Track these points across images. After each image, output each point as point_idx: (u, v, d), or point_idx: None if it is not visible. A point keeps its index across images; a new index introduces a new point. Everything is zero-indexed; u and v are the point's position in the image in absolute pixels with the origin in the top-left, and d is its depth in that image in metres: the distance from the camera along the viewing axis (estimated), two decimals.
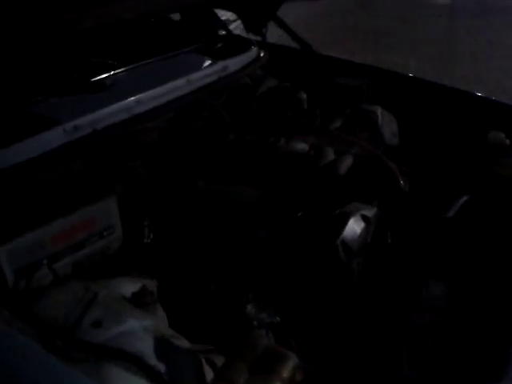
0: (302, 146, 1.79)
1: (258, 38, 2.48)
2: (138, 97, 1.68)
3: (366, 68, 2.44)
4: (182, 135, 1.84)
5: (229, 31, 2.47)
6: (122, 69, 1.84)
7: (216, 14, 2.45)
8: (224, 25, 2.40)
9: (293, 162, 1.73)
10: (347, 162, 1.69)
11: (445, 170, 1.75)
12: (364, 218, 1.43)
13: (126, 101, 1.66)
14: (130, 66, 1.87)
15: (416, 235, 1.52)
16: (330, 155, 1.73)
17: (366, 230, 1.42)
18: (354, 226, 1.39)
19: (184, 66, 2.02)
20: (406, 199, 1.61)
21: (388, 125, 2.15)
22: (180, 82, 1.84)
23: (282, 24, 2.47)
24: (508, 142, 1.90)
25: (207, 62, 2.06)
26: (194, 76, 1.90)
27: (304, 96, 2.12)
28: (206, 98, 1.94)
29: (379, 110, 2.17)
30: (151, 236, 1.59)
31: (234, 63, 2.10)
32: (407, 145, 2.09)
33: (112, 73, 1.79)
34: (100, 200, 1.43)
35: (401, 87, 2.27)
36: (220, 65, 2.03)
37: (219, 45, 2.24)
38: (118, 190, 1.54)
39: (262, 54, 2.26)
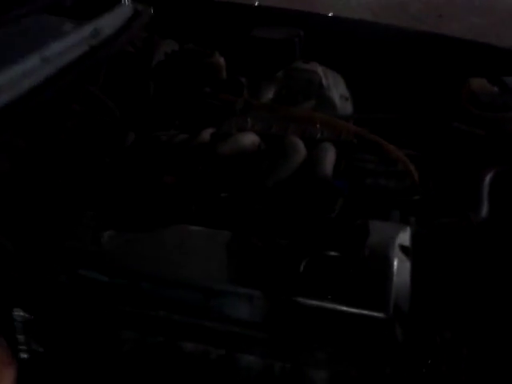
0: (250, 139, 1.16)
1: None
2: None
3: (287, 13, 1.83)
4: (50, 153, 1.10)
5: None
6: None
7: None
8: None
9: (246, 169, 1.09)
10: (330, 156, 1.11)
11: (450, 145, 1.25)
12: (404, 251, 0.88)
13: None
14: None
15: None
16: (299, 146, 1.13)
17: (410, 269, 0.87)
18: (402, 276, 0.83)
19: (32, 35, 1.24)
20: (425, 198, 1.09)
21: (335, 86, 1.59)
22: (31, 61, 1.08)
23: None
24: (497, 89, 1.45)
25: (68, 26, 1.30)
26: (53, 49, 1.15)
27: (221, 60, 1.47)
28: (75, 82, 1.20)
29: (319, 68, 1.60)
30: None
31: (107, 24, 1.37)
32: (364, 110, 1.56)
33: None
34: None
35: (337, 34, 1.72)
36: (88, 28, 1.29)
37: None
38: None
39: (140, 8, 1.56)
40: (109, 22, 1.39)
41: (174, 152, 1.11)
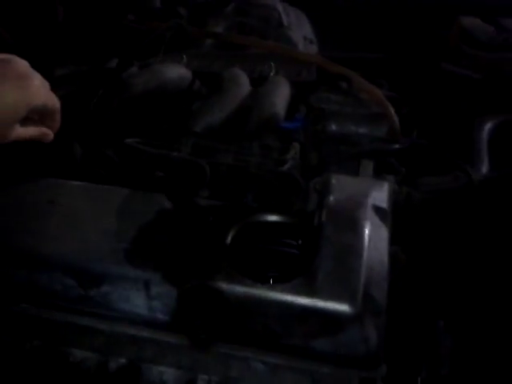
0: (177, 73, 0.87)
1: None
2: None
3: None
4: None
5: None
6: None
7: None
8: None
9: (168, 109, 0.81)
10: (281, 92, 0.82)
11: (438, 89, 0.98)
12: (380, 214, 0.60)
13: None
14: None
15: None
16: (241, 78, 0.84)
17: (388, 238, 0.59)
18: (377, 249, 0.55)
19: None
20: (408, 148, 0.81)
21: (298, 26, 1.31)
22: None
23: None
24: (493, 28, 1.19)
25: None
26: None
27: None
28: None
29: (279, 4, 1.31)
30: None
31: None
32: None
33: None
34: None
35: None
36: None
37: None
38: None
39: None
40: None
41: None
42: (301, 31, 1.30)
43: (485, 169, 0.82)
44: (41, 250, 0.56)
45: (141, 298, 0.55)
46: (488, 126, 0.92)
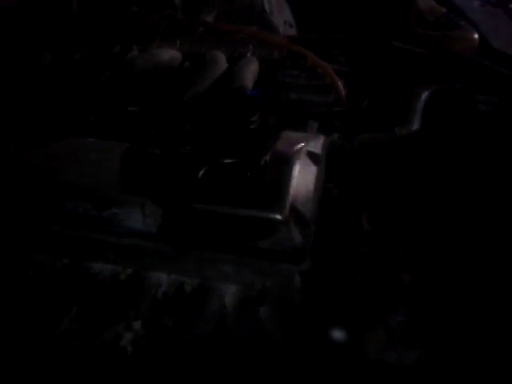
0: (169, 55, 1.09)
1: None
2: None
3: None
4: None
5: None
6: None
7: None
8: None
9: (162, 84, 1.03)
10: (250, 68, 1.04)
11: (388, 63, 1.19)
12: (312, 157, 0.82)
13: None
14: None
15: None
16: (219, 58, 1.06)
17: (316, 174, 0.81)
18: (305, 179, 0.78)
19: None
20: (350, 111, 1.02)
21: (279, 12, 1.51)
22: None
23: None
24: (445, 9, 1.38)
25: None
26: None
27: None
28: None
29: None
30: None
31: None
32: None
33: None
34: None
35: None
36: None
37: None
38: None
39: None
40: None
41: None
42: (281, 16, 1.50)
43: (415, 127, 1.03)
44: (68, 184, 0.80)
45: (138, 217, 0.78)
46: (425, 94, 1.12)
